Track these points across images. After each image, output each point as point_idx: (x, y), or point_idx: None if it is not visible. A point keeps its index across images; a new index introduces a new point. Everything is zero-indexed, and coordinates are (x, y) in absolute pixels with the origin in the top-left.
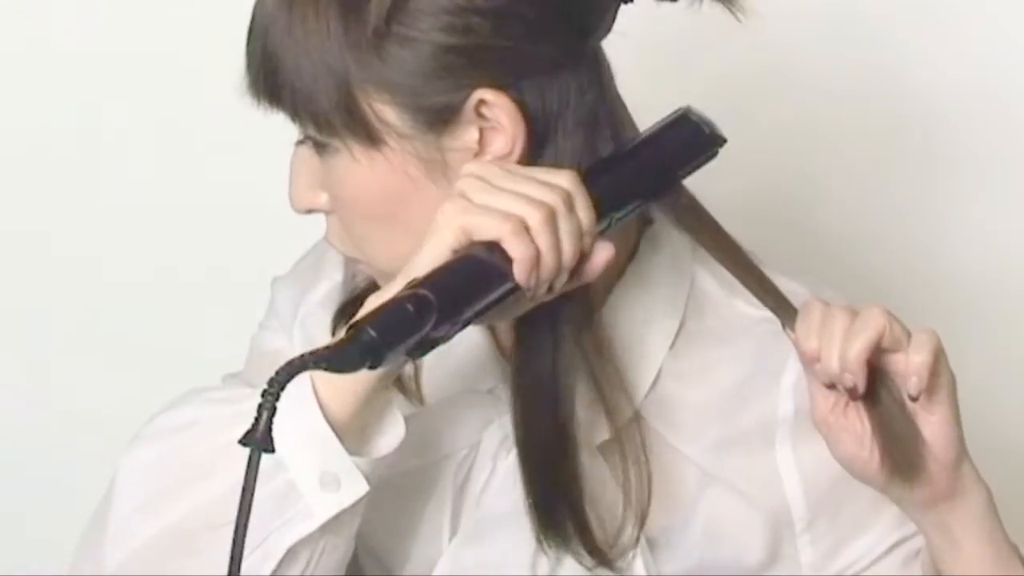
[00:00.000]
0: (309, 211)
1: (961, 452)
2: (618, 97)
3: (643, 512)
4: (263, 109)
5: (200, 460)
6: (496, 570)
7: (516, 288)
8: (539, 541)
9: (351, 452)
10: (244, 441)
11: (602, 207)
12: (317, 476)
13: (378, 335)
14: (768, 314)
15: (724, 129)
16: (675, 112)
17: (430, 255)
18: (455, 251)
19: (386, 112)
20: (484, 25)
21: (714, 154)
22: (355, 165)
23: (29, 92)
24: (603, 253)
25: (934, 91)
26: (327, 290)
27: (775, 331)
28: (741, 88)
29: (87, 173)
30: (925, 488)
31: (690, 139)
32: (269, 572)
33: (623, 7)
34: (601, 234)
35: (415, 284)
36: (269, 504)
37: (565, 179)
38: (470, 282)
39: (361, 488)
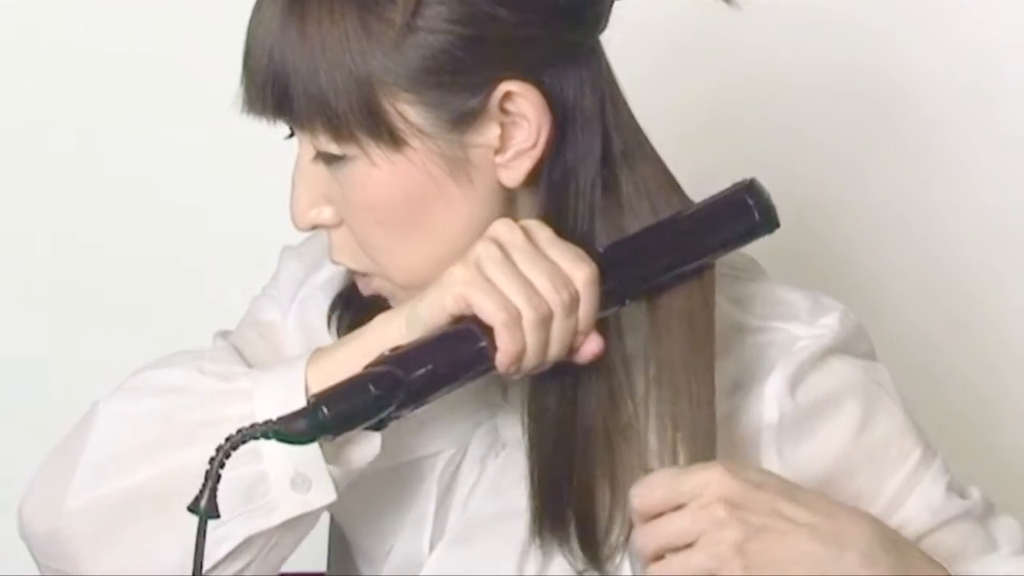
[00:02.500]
0: (313, 228)
1: None
2: (621, 92)
3: (632, 516)
4: (266, 123)
5: (180, 428)
6: (484, 572)
7: (493, 369)
8: (537, 537)
9: (326, 460)
10: (192, 508)
11: (616, 295)
12: (290, 475)
13: (331, 416)
14: (759, 324)
15: (718, 129)
16: (735, 185)
17: (429, 312)
18: (453, 316)
19: (409, 112)
20: (506, 13)
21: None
22: (374, 170)
23: (28, 86)
24: (591, 347)
25: (925, 89)
26: (331, 274)
27: (762, 343)
28: (736, 87)
29: (84, 168)
30: None
31: (735, 224)
32: (221, 556)
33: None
34: (606, 319)
35: (392, 358)
36: (237, 489)
37: (581, 277)
38: (450, 362)
39: (330, 496)
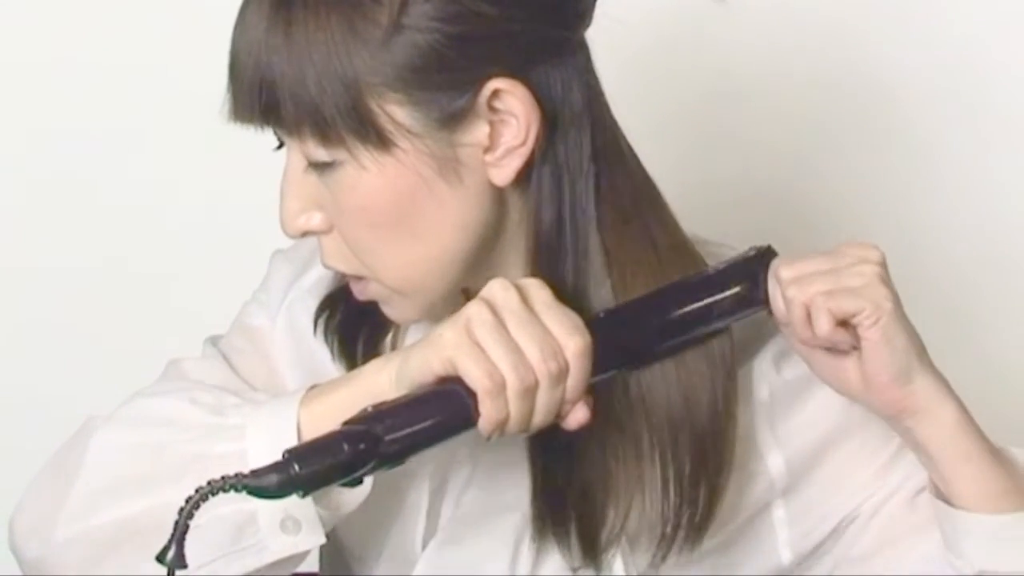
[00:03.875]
0: (304, 234)
1: (903, 370)
2: (602, 89)
3: (626, 511)
4: (254, 131)
5: (173, 461)
6: (476, 570)
7: (475, 430)
8: (538, 536)
9: (315, 502)
10: (159, 559)
11: (611, 362)
12: (280, 516)
13: (303, 474)
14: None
15: (697, 126)
16: (750, 251)
17: (417, 369)
18: (439, 377)
19: (398, 112)
20: (491, 10)
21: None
22: (364, 173)
23: (16, 94)
24: (577, 416)
25: (906, 85)
26: (319, 276)
27: (747, 330)
28: (716, 84)
29: (78, 173)
30: (878, 399)
31: (742, 295)
32: None
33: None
34: (594, 386)
35: (371, 415)
36: (227, 527)
37: (573, 347)
38: (430, 423)
39: (319, 538)
